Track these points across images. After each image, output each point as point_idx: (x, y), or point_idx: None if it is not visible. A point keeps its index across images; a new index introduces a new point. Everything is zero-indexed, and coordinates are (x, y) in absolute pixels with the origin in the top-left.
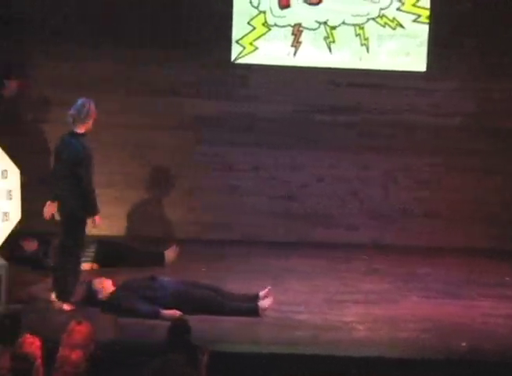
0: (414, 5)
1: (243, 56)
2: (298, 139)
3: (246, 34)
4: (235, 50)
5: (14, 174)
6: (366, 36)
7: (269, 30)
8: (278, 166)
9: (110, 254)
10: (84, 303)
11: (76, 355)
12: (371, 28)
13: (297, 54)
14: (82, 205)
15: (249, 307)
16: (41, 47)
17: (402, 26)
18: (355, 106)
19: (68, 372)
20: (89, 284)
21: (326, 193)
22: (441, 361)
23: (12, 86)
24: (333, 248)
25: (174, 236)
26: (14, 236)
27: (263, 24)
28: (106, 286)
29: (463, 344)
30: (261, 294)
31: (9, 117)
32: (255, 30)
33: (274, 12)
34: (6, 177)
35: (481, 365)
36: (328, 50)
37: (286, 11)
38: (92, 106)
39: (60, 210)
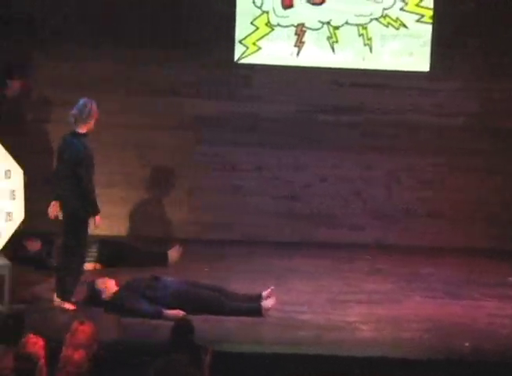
0: (417, 5)
1: (246, 56)
2: (301, 139)
3: (249, 34)
4: (238, 50)
5: (17, 174)
6: (369, 36)
7: (272, 30)
8: (281, 166)
9: (113, 255)
10: (87, 303)
11: (79, 355)
12: (374, 28)
13: (300, 54)
14: (84, 205)
15: (252, 307)
16: (41, 47)
17: (405, 26)
18: (358, 106)
19: (71, 372)
20: (92, 284)
21: (329, 193)
22: (444, 361)
23: (14, 86)
24: (337, 248)
25: (176, 236)
26: (17, 236)
27: (266, 24)
28: (109, 286)
29: (467, 344)
30: (264, 294)
31: (12, 117)
32: (258, 30)
33: (277, 12)
34: (9, 177)
35: (484, 365)
36: (331, 50)
37: (289, 11)
38: (94, 106)
39: (62, 210)
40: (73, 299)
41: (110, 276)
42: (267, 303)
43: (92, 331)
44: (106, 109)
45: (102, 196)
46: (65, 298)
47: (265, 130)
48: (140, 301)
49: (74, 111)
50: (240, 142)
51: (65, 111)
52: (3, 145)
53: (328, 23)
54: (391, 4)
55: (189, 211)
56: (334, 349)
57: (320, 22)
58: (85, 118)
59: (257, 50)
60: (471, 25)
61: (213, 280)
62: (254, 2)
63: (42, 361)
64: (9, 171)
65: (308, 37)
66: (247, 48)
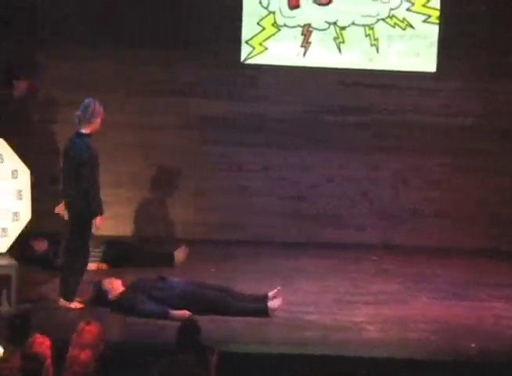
0: (424, 5)
1: (252, 57)
2: (308, 140)
3: (255, 35)
4: (244, 50)
5: (24, 174)
6: (376, 36)
7: (279, 30)
8: (287, 166)
9: (119, 255)
10: (93, 303)
11: (85, 355)
12: (381, 29)
13: (307, 54)
14: (88, 206)
15: (258, 307)
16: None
17: (411, 26)
18: (364, 106)
19: (77, 372)
20: (99, 284)
21: (335, 194)
22: (450, 362)
23: (21, 87)
24: (343, 249)
25: (182, 236)
26: (24, 236)
27: (272, 25)
28: (115, 286)
29: (473, 345)
30: (271, 294)
31: (18, 117)
32: (265, 31)
33: (283, 13)
34: (16, 177)
35: (490, 366)
36: (338, 50)
37: (295, 11)
38: (97, 107)
39: (68, 210)
40: (77, 299)
41: (117, 277)
42: (273, 303)
43: (99, 331)
44: (110, 109)
45: (108, 196)
46: (69, 298)
47: (271, 130)
48: (146, 301)
49: (78, 112)
50: (247, 143)
51: (71, 112)
52: (10, 145)
53: (334, 23)
54: (397, 4)
55: (195, 212)
56: (341, 350)
57: (327, 22)
58: (89, 118)
59: (264, 50)
60: (478, 26)
61: (219, 280)
62: (260, 3)
63: (49, 361)
64: (16, 171)
65: (315, 37)
66: (254, 48)
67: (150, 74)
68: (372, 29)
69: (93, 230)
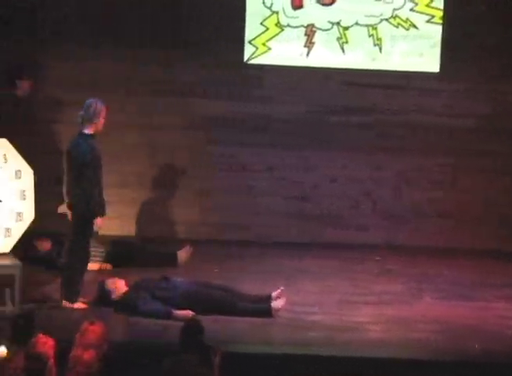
0: (428, 5)
1: (255, 57)
2: (311, 140)
3: (259, 35)
4: (248, 51)
5: (27, 174)
6: (379, 36)
7: (282, 30)
8: (291, 167)
9: (123, 255)
10: (97, 303)
11: (89, 355)
12: (384, 29)
13: (310, 55)
14: (91, 206)
15: (262, 308)
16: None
17: (415, 26)
18: (368, 106)
19: (81, 372)
20: (102, 284)
21: (339, 194)
22: (453, 363)
23: (24, 86)
24: (346, 249)
25: (187, 236)
26: (28, 236)
27: (276, 25)
28: (119, 286)
29: (476, 346)
30: (274, 294)
31: (21, 117)
32: (268, 31)
33: (287, 13)
34: (20, 177)
35: (493, 367)
36: (341, 51)
37: (298, 11)
38: (99, 106)
39: (71, 210)
40: (80, 299)
41: (120, 277)
42: (277, 304)
43: (102, 331)
44: (110, 109)
45: (113, 196)
46: (72, 299)
47: (275, 131)
48: (150, 301)
49: (81, 112)
50: (251, 143)
51: (74, 112)
52: (13, 145)
53: (338, 23)
54: (401, 4)
55: (199, 212)
56: (344, 350)
57: (330, 22)
58: (91, 118)
59: (267, 51)
60: (481, 26)
61: (223, 280)
62: (263, 3)
63: (52, 361)
64: (20, 171)
65: (318, 37)
66: (257, 48)
67: (150, 74)
68: (375, 29)
69: (95, 230)
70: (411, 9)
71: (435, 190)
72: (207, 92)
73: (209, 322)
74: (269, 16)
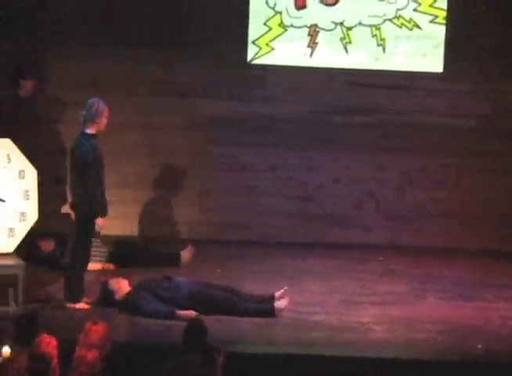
0: (431, 5)
1: (259, 57)
2: (315, 140)
3: (262, 35)
4: (251, 51)
5: (31, 174)
6: (383, 37)
7: (285, 30)
8: (295, 167)
9: (126, 255)
10: (100, 303)
11: (92, 355)
12: (388, 29)
13: (314, 55)
14: (93, 206)
15: (265, 308)
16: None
17: (418, 27)
18: (371, 107)
19: (84, 372)
20: (105, 285)
21: (342, 194)
22: (457, 363)
23: (27, 86)
24: (350, 249)
25: (188, 236)
26: (31, 236)
27: (279, 25)
28: (122, 286)
29: (480, 346)
30: (277, 294)
31: (25, 117)
32: (271, 31)
33: (290, 13)
34: (23, 177)
35: (496, 367)
36: (344, 51)
37: (302, 12)
38: (101, 106)
39: (74, 210)
40: (84, 299)
41: (123, 277)
42: (280, 304)
43: (105, 331)
44: (115, 109)
45: (114, 196)
46: (75, 299)
47: (278, 131)
48: (153, 301)
49: (84, 111)
50: (254, 143)
51: (76, 112)
52: (17, 145)
53: (341, 23)
54: (404, 4)
55: (200, 212)
56: (347, 350)
57: (333, 23)
58: (93, 118)
59: (271, 51)
60: (484, 27)
61: (226, 280)
62: (267, 3)
63: (55, 361)
64: (23, 171)
65: (322, 38)
66: (260, 48)
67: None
68: (378, 29)
69: (97, 230)
70: (414, 9)
71: (439, 190)
72: (207, 92)
73: (212, 322)
74: (273, 17)
